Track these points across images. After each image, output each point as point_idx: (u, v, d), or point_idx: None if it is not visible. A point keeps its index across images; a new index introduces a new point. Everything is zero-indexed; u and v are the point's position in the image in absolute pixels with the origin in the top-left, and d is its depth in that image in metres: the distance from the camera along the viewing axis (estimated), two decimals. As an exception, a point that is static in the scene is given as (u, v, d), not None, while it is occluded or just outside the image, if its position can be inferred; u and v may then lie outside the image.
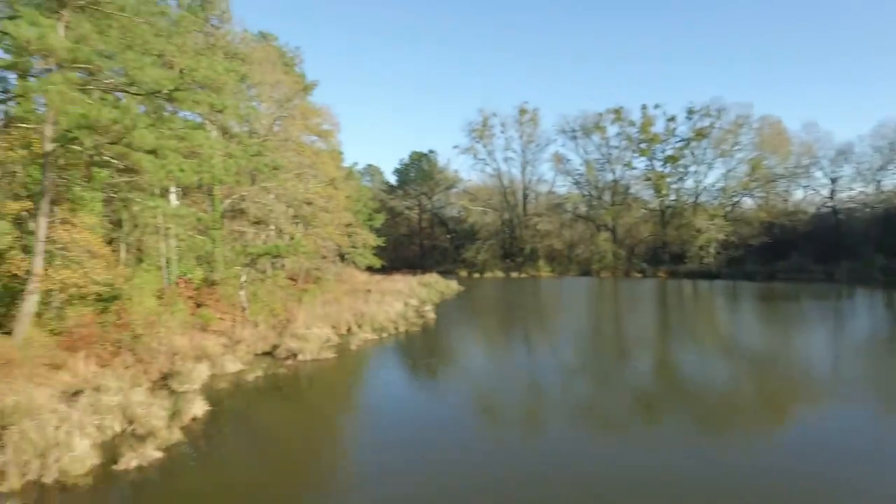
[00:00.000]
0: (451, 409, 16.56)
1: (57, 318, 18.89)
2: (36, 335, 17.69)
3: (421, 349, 26.62)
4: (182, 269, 27.01)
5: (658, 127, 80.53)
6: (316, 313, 27.82)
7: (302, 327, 24.47)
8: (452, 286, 53.73)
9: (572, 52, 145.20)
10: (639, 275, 72.45)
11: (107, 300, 20.64)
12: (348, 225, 46.86)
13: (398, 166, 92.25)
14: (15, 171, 20.82)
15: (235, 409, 16.31)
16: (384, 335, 28.20)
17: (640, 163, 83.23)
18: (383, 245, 53.32)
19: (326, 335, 24.49)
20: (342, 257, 46.96)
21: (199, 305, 26.03)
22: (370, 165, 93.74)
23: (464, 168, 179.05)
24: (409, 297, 39.74)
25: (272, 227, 36.10)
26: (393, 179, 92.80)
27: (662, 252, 77.11)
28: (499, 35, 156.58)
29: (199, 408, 14.91)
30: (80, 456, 11.17)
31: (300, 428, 15.29)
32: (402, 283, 48.85)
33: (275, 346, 22.86)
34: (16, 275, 18.87)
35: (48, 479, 10.65)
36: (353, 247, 48.39)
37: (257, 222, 35.18)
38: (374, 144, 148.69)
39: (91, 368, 16.57)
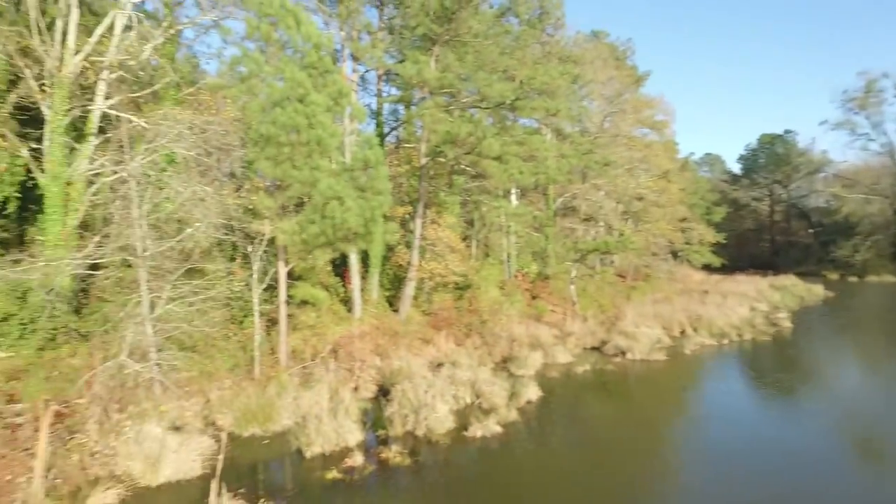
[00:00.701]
0: (806, 433, 13.72)
1: (427, 301, 23.12)
2: (413, 314, 22.05)
3: (770, 361, 22.87)
4: (520, 263, 29.68)
5: None
6: (645, 312, 26.80)
7: (630, 325, 23.92)
8: (817, 291, 44.29)
9: None
10: None
11: (462, 289, 24.25)
12: (682, 220, 43.66)
13: (743, 153, 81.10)
14: (401, 183, 26.38)
15: (565, 399, 17.03)
16: (724, 341, 25.24)
17: None
18: (723, 241, 47.83)
19: (657, 335, 23.33)
20: (675, 255, 44.06)
21: (534, 297, 28.17)
22: (709, 154, 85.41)
23: (835, 148, 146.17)
24: (757, 301, 34.60)
25: (601, 223, 36.41)
26: (737, 168, 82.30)
27: None
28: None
29: (533, 392, 16.12)
30: (441, 418, 13.42)
31: (625, 426, 14.98)
32: (747, 284, 42.75)
33: (603, 342, 22.99)
34: (401, 265, 23.90)
35: (419, 433, 13.15)
36: (688, 243, 44.84)
37: (587, 219, 36.01)
38: (714, 132, 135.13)
39: (450, 346, 19.70)
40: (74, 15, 14.93)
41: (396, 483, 11.13)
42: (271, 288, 16.46)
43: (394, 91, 25.21)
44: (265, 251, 15.65)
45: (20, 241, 16.20)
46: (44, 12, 14.52)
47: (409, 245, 24.00)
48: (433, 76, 18.74)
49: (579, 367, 20.21)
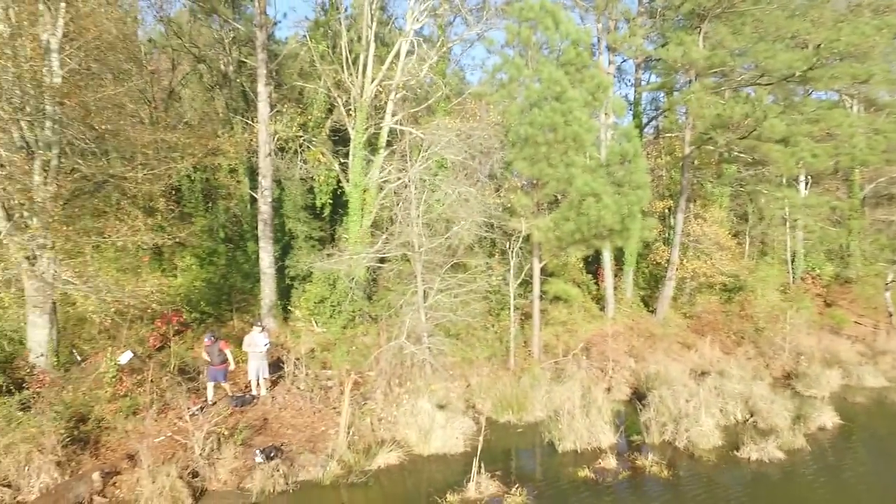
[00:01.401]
0: None
1: (688, 303, 21.17)
2: (672, 316, 20.44)
3: None
4: (809, 263, 24.97)
5: None
6: None
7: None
8: None
9: None
10: None
11: (731, 291, 21.53)
12: None
13: None
14: (661, 175, 24.64)
15: (874, 431, 13.76)
16: None
17: None
18: None
19: None
20: None
21: (828, 304, 23.45)
22: None
23: None
24: None
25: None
26: None
27: None
28: None
29: (827, 417, 13.44)
30: (705, 432, 12.15)
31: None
32: None
33: (936, 368, 17.83)
34: (658, 263, 22.36)
35: (679, 444, 12.13)
36: None
37: (912, 209, 28.21)
38: None
39: (715, 353, 17.70)
40: (372, 49, 17.80)
41: (651, 493, 10.49)
42: (526, 283, 17.11)
43: (653, 79, 23.69)
44: (521, 247, 16.33)
45: (331, 239, 20.10)
46: (350, 51, 17.67)
47: (668, 242, 22.32)
48: (701, 56, 16.96)
49: (897, 396, 16.09)
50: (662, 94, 24.65)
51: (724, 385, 14.20)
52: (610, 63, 21.03)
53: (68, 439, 10.09)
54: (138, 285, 12.63)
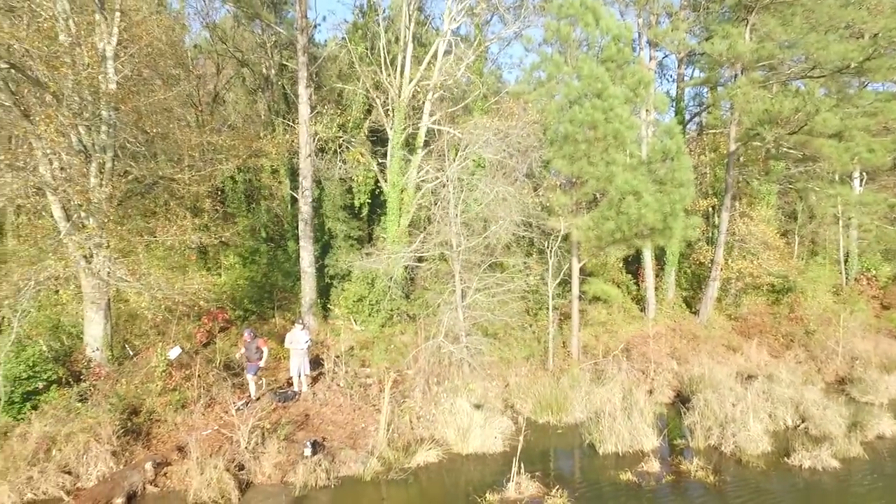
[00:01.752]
0: None
1: (733, 304, 20.51)
2: (716, 318, 19.85)
3: None
4: (864, 263, 23.85)
5: None
6: None
7: None
8: None
9: None
10: None
11: (779, 292, 20.77)
12: None
13: None
14: (704, 173, 23.98)
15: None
16: None
17: None
18: None
19: None
20: None
21: (885, 307, 22.38)
22: None
23: None
24: None
25: None
26: None
27: None
28: None
29: (887, 426, 12.81)
30: (754, 437, 11.76)
31: None
32: None
33: None
34: (702, 263, 21.76)
35: (725, 449, 11.77)
36: None
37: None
38: None
39: (762, 356, 17.12)
40: (410, 50, 17.92)
41: (696, 499, 10.22)
42: (564, 283, 16.91)
43: (696, 74, 23.06)
44: (559, 247, 16.16)
45: (369, 238, 20.34)
46: (389, 52, 17.83)
47: (711, 241, 21.69)
48: (748, 49, 16.41)
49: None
50: (706, 90, 23.96)
51: (772, 389, 13.73)
52: (651, 58, 20.59)
53: (122, 430, 10.52)
54: (186, 283, 13.06)
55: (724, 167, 20.33)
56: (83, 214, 11.76)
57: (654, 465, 11.05)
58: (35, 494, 9.31)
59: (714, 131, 24.09)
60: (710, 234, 22.70)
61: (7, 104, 10.99)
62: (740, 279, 20.36)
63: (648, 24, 19.82)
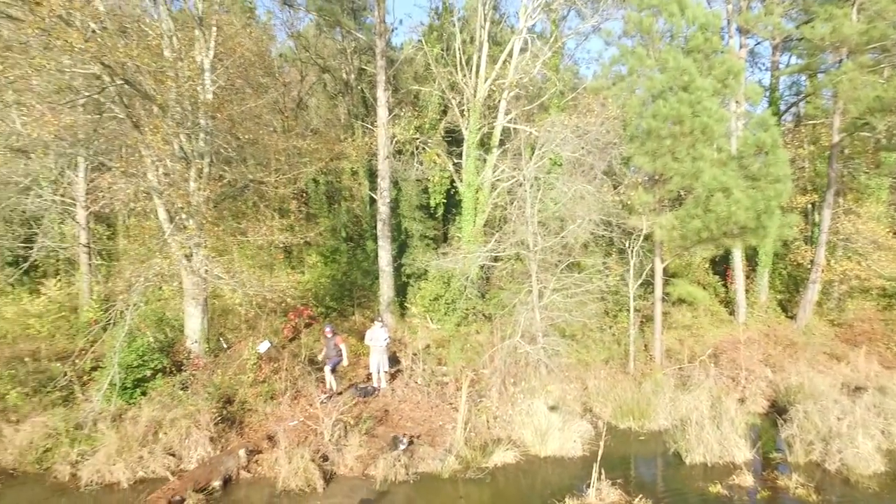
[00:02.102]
0: None
1: (837, 309, 18.90)
2: (816, 323, 18.37)
3: None
4: None
5: None
6: None
7: None
8: None
9: None
10: None
11: (892, 296, 18.90)
12: None
13: None
14: (803, 167, 22.27)
15: None
16: None
17: None
18: None
19: None
20: None
21: None
22: None
23: None
24: None
25: None
26: None
27: None
28: None
29: None
30: (864, 455, 10.76)
31: None
32: None
33: None
34: (800, 264, 20.22)
35: (830, 467, 10.85)
36: None
37: None
38: None
39: (873, 366, 15.65)
40: (485, 49, 17.92)
41: (797, 520, 9.51)
42: (646, 284, 16.27)
43: (793, 60, 21.46)
44: (641, 247, 15.57)
45: (445, 238, 20.54)
46: (464, 52, 17.93)
47: (810, 240, 20.11)
48: (855, 30, 15.06)
49: None
50: (804, 77, 22.23)
51: (885, 403, 12.50)
52: (741, 46, 19.38)
53: (218, 418, 11.26)
54: (274, 280, 13.78)
55: (826, 160, 18.78)
56: (184, 216, 12.68)
57: (746, 479, 10.40)
58: (145, 473, 10.16)
59: (814, 122, 22.29)
60: (811, 233, 21.05)
61: (121, 116, 12.06)
62: (845, 282, 18.72)
63: (738, 9, 18.65)
